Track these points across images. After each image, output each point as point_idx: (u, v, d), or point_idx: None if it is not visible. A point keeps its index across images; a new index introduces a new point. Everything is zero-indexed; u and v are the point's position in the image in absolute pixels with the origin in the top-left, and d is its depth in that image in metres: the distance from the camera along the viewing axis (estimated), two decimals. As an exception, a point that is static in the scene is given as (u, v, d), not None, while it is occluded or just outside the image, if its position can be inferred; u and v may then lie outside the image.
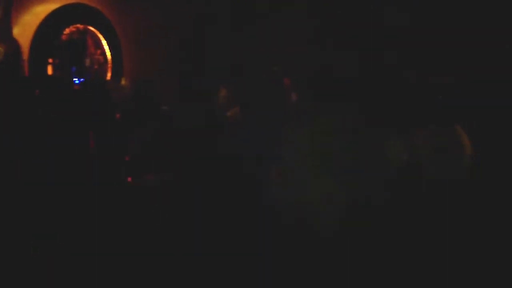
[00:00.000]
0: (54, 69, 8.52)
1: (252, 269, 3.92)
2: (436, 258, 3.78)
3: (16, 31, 8.10)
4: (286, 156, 3.98)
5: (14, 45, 7.82)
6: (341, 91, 4.52)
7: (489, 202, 4.05)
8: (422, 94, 4.69)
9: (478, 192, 4.04)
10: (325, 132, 3.96)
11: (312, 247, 3.79)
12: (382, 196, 3.89)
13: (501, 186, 4.12)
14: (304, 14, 8.40)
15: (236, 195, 4.23)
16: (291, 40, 8.13)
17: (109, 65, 8.82)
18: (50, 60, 8.45)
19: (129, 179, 5.50)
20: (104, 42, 8.84)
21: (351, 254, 3.81)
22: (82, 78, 8.38)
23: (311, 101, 4.29)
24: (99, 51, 8.87)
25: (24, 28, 8.31)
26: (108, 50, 8.83)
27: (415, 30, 7.43)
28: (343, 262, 3.78)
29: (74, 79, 8.34)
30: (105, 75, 8.76)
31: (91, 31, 8.87)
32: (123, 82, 7.30)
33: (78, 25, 8.78)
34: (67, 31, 8.72)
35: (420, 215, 3.94)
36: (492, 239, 3.92)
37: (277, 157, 4.02)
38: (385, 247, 3.84)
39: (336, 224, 3.80)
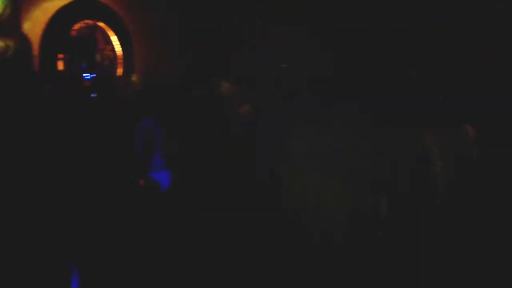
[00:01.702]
0: (64, 65, 8.49)
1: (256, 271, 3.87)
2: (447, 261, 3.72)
3: (26, 27, 8.06)
4: (293, 158, 3.93)
5: (23, 40, 7.78)
6: (344, 91, 4.48)
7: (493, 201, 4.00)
8: (426, 92, 4.62)
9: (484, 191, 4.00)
10: (332, 133, 3.90)
11: (317, 250, 3.73)
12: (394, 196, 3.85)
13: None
14: (296, 17, 8.33)
15: (246, 196, 4.18)
16: (290, 42, 8.06)
17: (119, 61, 8.77)
18: (61, 56, 8.42)
19: (142, 181, 5.44)
20: (114, 38, 8.79)
21: (357, 259, 3.75)
22: (93, 74, 8.34)
23: (315, 103, 4.22)
24: (109, 47, 8.82)
25: (34, 23, 8.27)
26: (118, 46, 8.78)
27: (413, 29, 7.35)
28: (347, 267, 3.72)
29: (85, 75, 8.30)
30: (116, 71, 8.71)
31: (101, 27, 8.83)
32: (133, 78, 7.24)
33: (88, 21, 8.75)
34: (76, 26, 8.69)
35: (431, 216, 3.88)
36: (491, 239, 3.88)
37: (284, 158, 3.96)
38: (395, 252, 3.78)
39: (342, 228, 3.74)
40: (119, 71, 8.71)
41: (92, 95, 6.19)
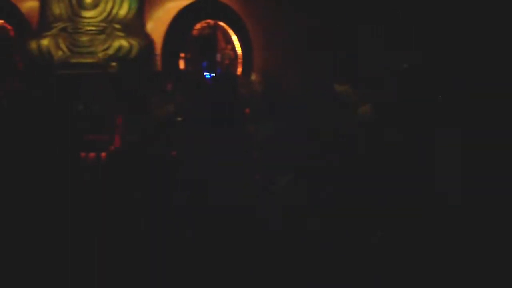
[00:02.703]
0: (186, 64, 8.67)
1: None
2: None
3: (149, 27, 8.28)
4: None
5: (147, 40, 8.01)
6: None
7: None
8: None
9: None
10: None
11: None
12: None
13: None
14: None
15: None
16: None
17: (239, 60, 8.82)
18: (182, 55, 8.60)
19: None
20: (234, 38, 8.86)
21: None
22: (213, 72, 8.46)
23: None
24: (229, 46, 8.90)
25: (157, 23, 8.48)
26: (239, 46, 8.84)
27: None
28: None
29: (206, 74, 8.43)
30: (236, 70, 8.77)
31: (221, 26, 8.92)
32: (253, 77, 7.26)
33: (209, 21, 8.87)
34: (198, 26, 8.83)
35: None
36: None
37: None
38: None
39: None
40: (239, 70, 8.77)
41: (213, 94, 6.23)
